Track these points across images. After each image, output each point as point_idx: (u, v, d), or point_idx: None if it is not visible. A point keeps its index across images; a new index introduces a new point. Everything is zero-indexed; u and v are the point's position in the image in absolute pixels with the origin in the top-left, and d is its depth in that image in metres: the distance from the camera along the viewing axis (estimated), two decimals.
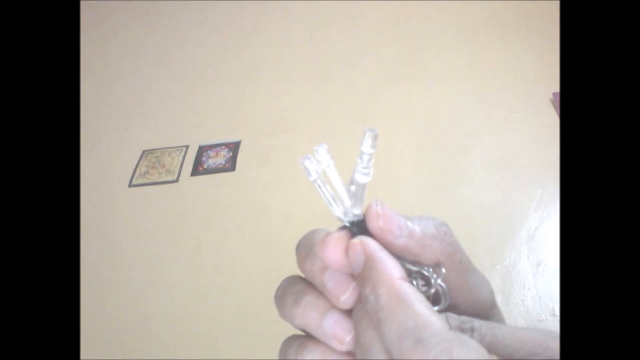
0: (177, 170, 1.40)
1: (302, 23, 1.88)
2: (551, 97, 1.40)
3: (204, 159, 1.42)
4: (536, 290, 1.01)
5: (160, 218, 1.30)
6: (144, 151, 1.48)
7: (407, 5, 1.83)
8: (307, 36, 1.81)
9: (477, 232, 1.13)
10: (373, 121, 1.44)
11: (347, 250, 0.25)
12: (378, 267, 0.23)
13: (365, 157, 0.25)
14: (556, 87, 1.42)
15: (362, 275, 0.23)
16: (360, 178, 0.25)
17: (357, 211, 0.25)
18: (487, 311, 0.26)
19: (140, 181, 1.40)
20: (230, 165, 1.39)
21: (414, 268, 0.24)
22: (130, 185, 1.39)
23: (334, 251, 0.25)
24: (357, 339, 0.23)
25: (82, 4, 2.00)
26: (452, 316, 0.22)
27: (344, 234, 0.25)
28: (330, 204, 0.25)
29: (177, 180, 1.38)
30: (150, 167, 1.43)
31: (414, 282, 0.24)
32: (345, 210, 0.25)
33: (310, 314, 0.25)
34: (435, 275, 0.24)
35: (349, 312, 0.25)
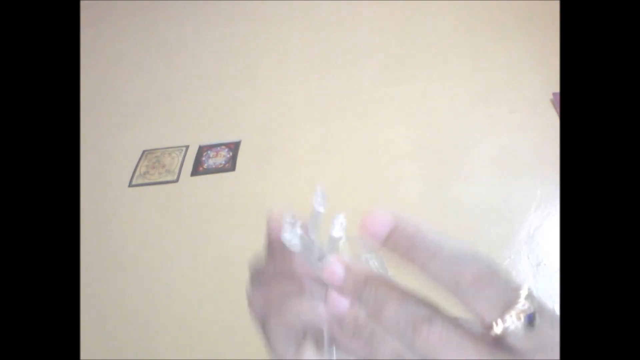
0: (177, 170, 1.40)
1: (302, 23, 1.88)
2: (551, 97, 1.40)
3: (204, 159, 1.42)
4: (536, 291, 1.01)
5: (160, 218, 1.30)
6: (144, 151, 1.48)
7: (407, 5, 1.83)
8: (307, 36, 1.81)
9: (477, 232, 1.13)
10: (373, 121, 1.44)
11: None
12: None
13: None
14: (556, 87, 1.42)
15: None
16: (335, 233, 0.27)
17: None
18: None
19: (140, 181, 1.40)
20: (230, 165, 1.39)
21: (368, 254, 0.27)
22: (130, 185, 1.39)
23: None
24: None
25: (82, 4, 2.00)
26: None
27: None
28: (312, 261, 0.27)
29: (177, 180, 1.38)
30: (150, 167, 1.43)
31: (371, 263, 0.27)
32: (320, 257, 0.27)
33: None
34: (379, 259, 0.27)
35: None
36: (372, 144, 1.38)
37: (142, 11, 2.11)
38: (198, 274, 1.16)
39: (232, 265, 1.16)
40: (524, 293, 0.21)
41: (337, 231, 0.27)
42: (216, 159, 1.41)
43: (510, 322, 0.20)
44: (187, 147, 1.47)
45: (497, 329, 0.20)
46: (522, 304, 0.21)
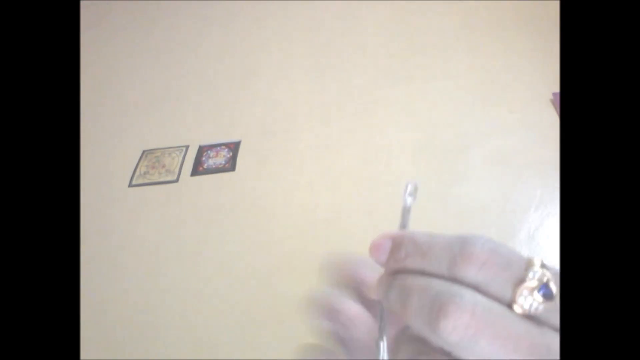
0: (177, 170, 1.40)
1: (302, 23, 1.88)
2: (551, 97, 1.40)
3: (204, 159, 1.42)
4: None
5: (160, 218, 1.30)
6: (144, 151, 1.48)
7: (407, 6, 1.83)
8: (307, 36, 1.81)
9: (477, 232, 1.13)
10: (373, 121, 1.44)
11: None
12: None
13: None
14: (556, 87, 1.42)
15: None
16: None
17: None
18: None
19: (140, 181, 1.40)
20: (230, 165, 1.39)
21: None
22: (130, 185, 1.39)
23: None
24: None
25: (82, 4, 2.00)
26: None
27: None
28: None
29: (177, 180, 1.38)
30: (150, 167, 1.43)
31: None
32: None
33: None
34: None
35: None
36: (372, 144, 1.38)
37: (142, 11, 2.11)
38: (198, 273, 1.16)
39: (232, 265, 1.16)
40: (531, 264, 0.19)
41: (409, 200, 0.26)
42: (216, 159, 1.41)
43: (525, 301, 0.19)
44: (187, 147, 1.47)
45: (516, 308, 0.19)
46: (531, 279, 0.19)
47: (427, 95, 1.49)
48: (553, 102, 1.39)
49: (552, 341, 0.18)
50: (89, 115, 1.63)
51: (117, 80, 1.79)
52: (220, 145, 1.45)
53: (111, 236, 1.28)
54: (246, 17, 1.95)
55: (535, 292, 0.19)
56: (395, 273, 0.23)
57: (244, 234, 1.23)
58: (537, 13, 1.67)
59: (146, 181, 1.40)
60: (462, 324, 0.18)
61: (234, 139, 1.46)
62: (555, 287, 0.19)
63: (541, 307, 0.19)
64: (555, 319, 0.19)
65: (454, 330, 0.18)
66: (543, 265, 0.19)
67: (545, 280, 0.19)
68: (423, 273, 0.21)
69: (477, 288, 0.19)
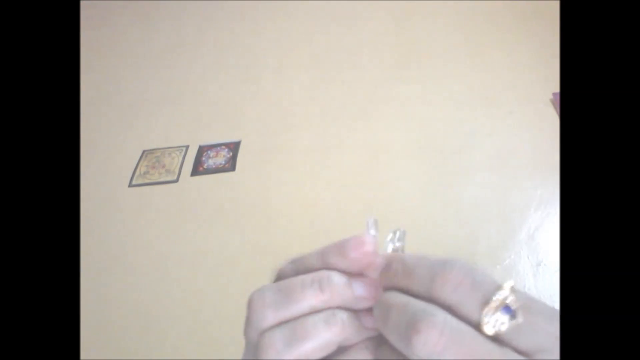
0: (177, 170, 1.40)
1: (302, 23, 1.88)
2: (551, 97, 1.40)
3: (204, 159, 1.42)
4: (536, 290, 1.01)
5: (160, 218, 1.30)
6: (144, 151, 1.48)
7: (407, 6, 1.83)
8: (307, 36, 1.81)
9: (477, 232, 1.13)
10: (373, 121, 1.44)
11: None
12: None
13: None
14: (556, 87, 1.42)
15: None
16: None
17: None
18: None
19: (140, 181, 1.40)
20: (230, 165, 1.39)
21: None
22: (130, 185, 1.39)
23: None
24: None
25: (82, 4, 2.00)
26: None
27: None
28: None
29: (177, 180, 1.38)
30: (150, 167, 1.43)
31: None
32: None
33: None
34: None
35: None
36: (372, 144, 1.38)
37: (142, 11, 2.11)
38: (198, 273, 1.16)
39: (233, 265, 1.16)
40: (499, 288, 0.21)
41: (390, 247, 0.28)
42: (216, 159, 1.41)
43: (490, 318, 0.21)
44: (187, 147, 1.47)
45: (484, 328, 0.21)
46: (496, 299, 0.21)
47: (427, 95, 1.49)
48: (553, 102, 1.39)
49: None
50: (89, 115, 1.63)
51: (117, 80, 1.79)
52: (220, 145, 1.45)
53: (111, 236, 1.28)
54: (246, 18, 1.95)
55: (498, 312, 0.21)
56: (385, 289, 0.25)
57: (244, 234, 1.23)
58: (537, 13, 1.67)
59: (146, 181, 1.40)
60: (432, 340, 0.20)
61: (234, 139, 1.46)
62: (519, 311, 0.21)
63: (504, 327, 0.21)
64: (518, 340, 0.21)
65: (424, 346, 0.20)
66: (513, 290, 0.21)
67: (507, 301, 0.21)
68: (408, 291, 0.23)
69: (450, 308, 0.22)
